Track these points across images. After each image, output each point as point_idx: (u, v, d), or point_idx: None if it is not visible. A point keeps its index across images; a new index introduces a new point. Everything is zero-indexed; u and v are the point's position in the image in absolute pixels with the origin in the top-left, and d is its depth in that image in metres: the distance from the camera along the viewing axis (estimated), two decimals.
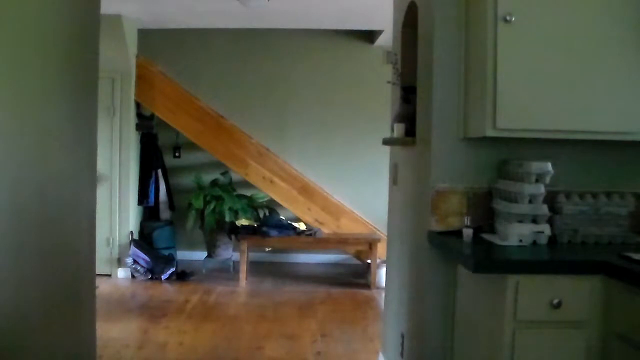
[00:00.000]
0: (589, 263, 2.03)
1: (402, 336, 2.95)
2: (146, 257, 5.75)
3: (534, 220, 2.27)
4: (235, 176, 6.39)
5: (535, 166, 2.25)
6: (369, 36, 6.49)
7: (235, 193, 6.28)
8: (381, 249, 5.25)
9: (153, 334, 4.14)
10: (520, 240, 2.24)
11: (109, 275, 5.77)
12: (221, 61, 6.49)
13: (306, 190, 6.35)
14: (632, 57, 2.23)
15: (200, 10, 5.45)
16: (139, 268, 5.75)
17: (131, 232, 5.92)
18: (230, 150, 6.22)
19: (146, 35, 6.04)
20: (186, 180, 6.50)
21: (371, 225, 6.28)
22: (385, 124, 3.58)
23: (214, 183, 6.32)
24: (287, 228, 5.91)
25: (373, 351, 3.89)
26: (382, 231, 5.66)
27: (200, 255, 6.36)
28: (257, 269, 6.26)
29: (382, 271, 5.15)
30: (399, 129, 2.83)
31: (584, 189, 2.42)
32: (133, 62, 5.88)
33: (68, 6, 2.62)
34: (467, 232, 2.32)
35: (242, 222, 6.00)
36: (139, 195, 6.09)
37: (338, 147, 6.60)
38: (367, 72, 6.28)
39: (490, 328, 2.08)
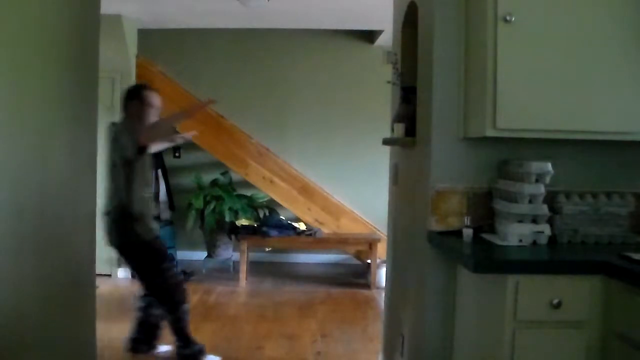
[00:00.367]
0: (589, 263, 2.03)
1: (402, 336, 2.95)
2: None
3: (534, 220, 2.27)
4: (235, 176, 6.40)
5: (535, 166, 2.25)
6: (369, 36, 6.49)
7: (235, 193, 6.28)
8: (381, 249, 5.25)
9: None
10: (520, 240, 2.24)
11: (109, 275, 5.77)
12: (221, 61, 6.50)
13: (306, 190, 6.35)
14: (632, 57, 2.23)
15: (200, 10, 5.45)
16: None
17: None
18: (230, 150, 6.22)
19: (146, 35, 6.04)
20: (186, 180, 6.50)
21: (371, 225, 6.28)
22: (385, 124, 3.58)
23: (214, 183, 6.32)
24: (287, 228, 5.91)
25: (373, 351, 3.90)
26: (382, 231, 5.66)
27: (200, 255, 6.36)
28: (257, 269, 6.26)
29: (382, 271, 5.15)
30: (399, 129, 2.83)
31: (584, 189, 2.42)
32: (133, 62, 5.88)
33: (68, 6, 2.62)
34: (467, 232, 2.32)
35: (242, 222, 6.00)
36: None
37: (338, 147, 6.60)
38: (367, 72, 6.27)
39: (490, 328, 2.08)
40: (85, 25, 2.84)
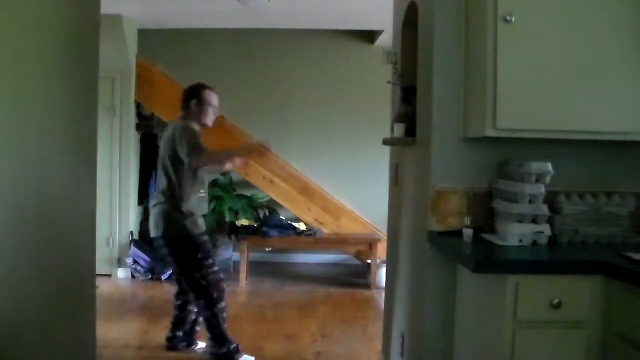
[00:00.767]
0: (588, 263, 2.03)
1: (402, 336, 2.95)
2: (146, 257, 5.75)
3: (534, 220, 2.27)
4: (235, 176, 6.39)
5: (535, 166, 2.25)
6: (369, 36, 6.49)
7: (235, 193, 6.28)
8: (381, 249, 5.25)
9: (153, 334, 4.14)
10: (520, 240, 2.24)
11: (109, 275, 5.77)
12: (221, 61, 6.49)
13: (306, 190, 6.35)
14: (632, 57, 2.23)
15: (200, 10, 5.45)
16: (139, 268, 5.75)
17: (131, 232, 5.92)
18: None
19: (146, 35, 6.04)
20: None
21: (371, 225, 6.28)
22: (385, 124, 3.58)
23: (214, 183, 6.32)
24: (287, 228, 5.91)
25: (373, 351, 3.89)
26: (382, 231, 5.66)
27: None
28: (257, 269, 6.25)
29: (382, 271, 5.15)
30: (399, 129, 2.83)
31: (584, 189, 2.42)
32: (133, 62, 5.88)
33: (68, 6, 2.62)
34: (467, 232, 2.32)
35: (242, 222, 6.00)
36: (139, 195, 6.09)
37: (338, 147, 6.60)
38: (367, 72, 6.27)
39: (490, 328, 2.08)
40: (85, 25, 2.84)
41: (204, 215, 3.79)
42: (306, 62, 6.57)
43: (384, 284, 3.77)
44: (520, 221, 2.26)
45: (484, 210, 2.45)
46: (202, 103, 3.64)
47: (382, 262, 5.25)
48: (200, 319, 3.72)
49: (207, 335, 3.63)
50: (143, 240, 6.00)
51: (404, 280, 3.00)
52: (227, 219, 5.97)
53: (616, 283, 1.90)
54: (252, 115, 6.45)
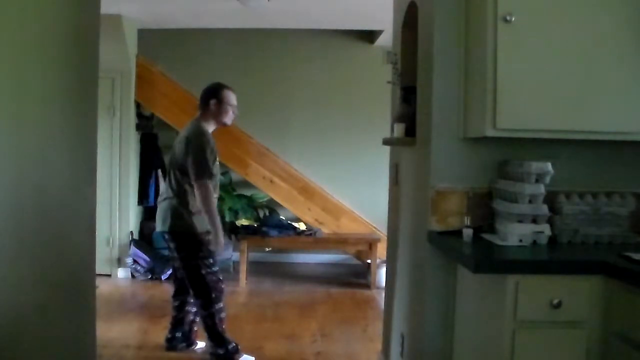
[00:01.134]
0: (588, 263, 2.03)
1: (402, 336, 2.95)
2: (146, 257, 5.75)
3: (534, 220, 2.27)
4: (235, 176, 6.39)
5: (535, 166, 2.25)
6: (369, 36, 6.48)
7: (235, 193, 6.28)
8: (381, 249, 5.25)
9: (153, 334, 4.14)
10: (520, 240, 2.24)
11: (109, 275, 5.77)
12: (221, 61, 6.48)
13: (306, 190, 6.35)
14: (632, 57, 2.23)
15: (200, 10, 5.45)
16: (139, 268, 5.75)
17: (131, 232, 5.92)
18: (230, 150, 6.21)
19: (146, 35, 6.04)
20: None
21: (371, 225, 6.28)
22: (385, 124, 3.58)
23: None
24: (287, 228, 5.91)
25: (373, 351, 3.89)
26: (382, 231, 5.66)
27: None
28: (257, 269, 6.25)
29: (382, 271, 5.14)
30: (399, 129, 2.83)
31: (584, 189, 2.42)
32: (133, 62, 5.88)
33: (68, 6, 2.62)
34: (467, 232, 2.32)
35: (242, 222, 6.00)
36: (139, 195, 6.09)
37: (338, 147, 6.59)
38: (367, 72, 6.27)
39: (490, 328, 2.08)
40: (85, 25, 2.84)
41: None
42: (306, 62, 6.57)
43: (384, 284, 3.77)
44: (520, 221, 2.26)
45: (484, 210, 2.45)
46: (221, 103, 3.67)
47: (382, 262, 5.24)
48: (198, 318, 3.72)
49: (205, 335, 3.63)
50: (143, 241, 6.01)
51: (404, 280, 3.00)
52: (227, 219, 5.96)
53: (616, 283, 1.90)
54: (252, 115, 6.43)
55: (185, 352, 3.79)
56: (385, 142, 3.14)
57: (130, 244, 5.81)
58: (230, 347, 3.62)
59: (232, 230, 5.95)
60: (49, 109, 2.45)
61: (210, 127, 3.67)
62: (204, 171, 3.47)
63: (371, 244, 5.79)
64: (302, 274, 6.28)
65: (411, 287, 2.85)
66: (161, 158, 6.27)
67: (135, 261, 5.75)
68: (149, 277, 5.73)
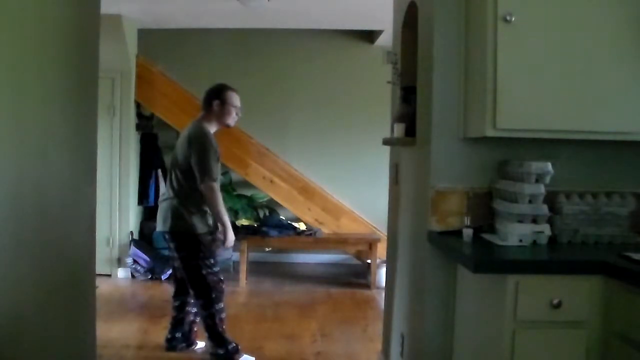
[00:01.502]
0: (588, 263, 2.03)
1: (402, 336, 2.95)
2: (146, 257, 5.75)
3: (534, 220, 2.27)
4: (235, 176, 6.39)
5: (535, 166, 2.25)
6: (369, 36, 6.49)
7: (235, 193, 6.28)
8: (381, 249, 5.25)
9: (153, 334, 4.14)
10: (520, 240, 2.24)
11: (109, 275, 5.77)
12: (221, 61, 6.48)
13: (306, 190, 6.35)
14: (632, 57, 2.23)
15: (200, 10, 5.45)
16: (139, 268, 5.75)
17: (131, 232, 5.92)
18: (230, 150, 6.21)
19: (146, 35, 6.04)
20: None
21: (371, 225, 6.28)
22: (385, 124, 3.58)
23: None
24: (287, 228, 5.91)
25: (373, 351, 3.89)
26: (382, 231, 5.66)
27: None
28: (257, 269, 6.25)
29: (382, 271, 5.15)
30: (399, 129, 2.83)
31: (584, 189, 2.42)
32: (133, 62, 5.88)
33: (68, 6, 2.62)
34: (467, 232, 2.32)
35: (242, 222, 6.00)
36: (139, 195, 6.09)
37: (338, 147, 6.60)
38: (367, 72, 6.27)
39: (490, 328, 2.08)
40: (85, 25, 2.84)
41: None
42: (306, 62, 6.57)
43: (384, 284, 3.77)
44: (520, 221, 2.26)
45: (484, 210, 2.45)
46: (224, 104, 3.66)
47: (382, 262, 5.25)
48: (198, 319, 3.72)
49: (205, 335, 3.63)
50: (143, 241, 6.01)
51: (404, 280, 3.00)
52: None
53: (616, 283, 1.90)
54: (252, 115, 6.41)
55: (185, 352, 3.79)
56: (385, 142, 3.14)
57: (130, 244, 5.81)
58: (230, 347, 3.62)
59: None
60: (49, 109, 2.45)
61: (213, 128, 3.67)
62: (208, 173, 3.47)
63: (371, 244, 5.79)
64: (302, 274, 6.28)
65: (411, 287, 2.85)
66: (161, 158, 6.27)
67: (135, 261, 5.75)
68: (149, 277, 5.73)
